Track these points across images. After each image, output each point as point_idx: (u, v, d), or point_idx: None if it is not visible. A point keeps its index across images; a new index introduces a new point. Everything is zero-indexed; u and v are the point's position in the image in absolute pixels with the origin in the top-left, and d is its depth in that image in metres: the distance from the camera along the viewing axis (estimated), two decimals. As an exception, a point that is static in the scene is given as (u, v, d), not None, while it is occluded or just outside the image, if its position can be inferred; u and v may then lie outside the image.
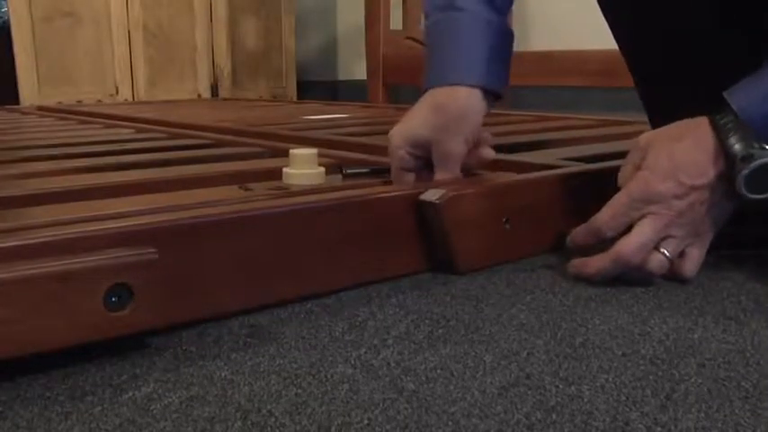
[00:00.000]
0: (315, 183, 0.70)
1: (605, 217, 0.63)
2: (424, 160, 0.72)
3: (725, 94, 0.59)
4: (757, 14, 0.65)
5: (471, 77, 0.69)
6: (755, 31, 0.65)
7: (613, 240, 0.62)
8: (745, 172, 0.57)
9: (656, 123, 0.74)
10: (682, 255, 0.63)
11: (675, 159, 0.60)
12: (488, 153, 0.74)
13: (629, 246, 0.61)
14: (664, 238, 0.61)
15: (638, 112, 1.07)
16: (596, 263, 0.63)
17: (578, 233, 0.66)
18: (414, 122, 0.71)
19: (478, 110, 0.70)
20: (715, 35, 0.70)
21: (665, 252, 0.61)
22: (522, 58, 2.54)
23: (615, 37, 0.80)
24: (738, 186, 0.58)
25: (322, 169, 0.72)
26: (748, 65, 0.60)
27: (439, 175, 0.71)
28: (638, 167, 0.62)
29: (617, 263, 0.61)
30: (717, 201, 0.60)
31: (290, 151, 0.72)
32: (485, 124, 0.71)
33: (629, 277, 0.63)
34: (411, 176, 0.73)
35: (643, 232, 0.61)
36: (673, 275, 0.63)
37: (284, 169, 0.71)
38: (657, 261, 0.61)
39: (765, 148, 0.57)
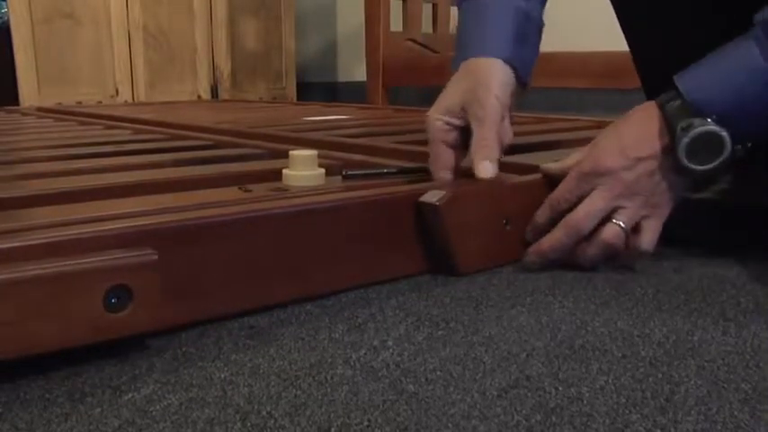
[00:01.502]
0: (314, 184, 0.70)
1: (558, 192, 0.66)
2: (462, 134, 0.71)
3: (674, 78, 0.62)
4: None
5: (495, 51, 0.71)
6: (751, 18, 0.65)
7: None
8: (685, 140, 0.59)
9: None
10: (638, 229, 0.64)
11: (622, 137, 0.64)
12: (509, 132, 0.74)
13: (578, 213, 0.64)
14: (615, 210, 0.63)
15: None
16: (549, 237, 0.66)
17: (537, 214, 0.68)
18: (445, 95, 0.72)
19: (505, 78, 0.70)
20: (709, 23, 0.70)
21: (620, 223, 0.63)
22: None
23: (623, 29, 0.81)
24: (681, 157, 0.60)
25: (322, 171, 0.72)
26: None
27: (476, 134, 0.69)
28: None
29: (568, 231, 0.64)
30: (666, 173, 0.62)
31: (290, 153, 0.72)
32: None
33: (608, 262, 0.66)
34: (450, 156, 0.72)
35: (592, 201, 0.64)
36: (632, 250, 0.65)
37: (284, 171, 0.71)
38: (611, 230, 0.63)
39: (706, 120, 0.59)
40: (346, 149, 0.99)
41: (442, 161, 0.71)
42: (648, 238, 0.64)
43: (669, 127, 0.61)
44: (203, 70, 2.84)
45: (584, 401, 0.42)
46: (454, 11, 2.74)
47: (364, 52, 2.61)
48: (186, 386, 0.45)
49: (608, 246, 0.64)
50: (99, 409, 0.42)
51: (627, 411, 0.41)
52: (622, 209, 0.63)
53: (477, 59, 0.71)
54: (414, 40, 2.62)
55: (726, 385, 0.44)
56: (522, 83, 0.73)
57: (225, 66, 2.89)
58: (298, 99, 3.11)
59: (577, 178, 0.65)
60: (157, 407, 0.42)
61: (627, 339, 0.51)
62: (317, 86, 3.36)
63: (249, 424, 0.40)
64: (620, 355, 0.49)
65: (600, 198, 0.63)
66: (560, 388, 0.44)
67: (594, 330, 0.53)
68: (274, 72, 3.07)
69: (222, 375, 0.46)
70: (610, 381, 0.45)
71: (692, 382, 0.44)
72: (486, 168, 0.68)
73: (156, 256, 0.48)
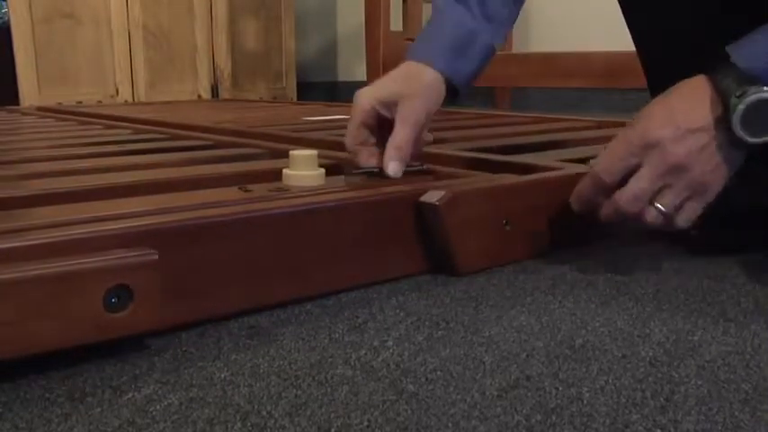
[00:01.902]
0: (315, 184, 0.70)
1: (603, 164, 0.63)
2: (380, 125, 0.74)
3: (727, 49, 0.59)
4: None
5: (439, 62, 0.74)
6: (759, 18, 0.65)
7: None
8: (741, 107, 0.56)
9: None
10: (680, 207, 0.62)
11: (672, 107, 0.60)
12: (428, 136, 0.78)
13: (625, 194, 0.61)
14: (661, 189, 0.61)
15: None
16: (603, 210, 0.64)
17: (581, 184, 0.66)
18: (381, 85, 0.75)
19: (434, 86, 0.74)
20: (718, 22, 0.70)
21: (660, 207, 0.61)
22: (525, 59, 2.55)
23: (629, 27, 0.81)
24: (735, 127, 0.57)
25: (322, 170, 0.72)
26: None
27: (397, 132, 0.71)
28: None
29: (615, 212, 0.63)
30: (718, 147, 0.59)
31: (290, 153, 0.72)
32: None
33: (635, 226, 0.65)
34: (368, 137, 0.75)
35: (639, 183, 0.61)
36: (666, 227, 0.63)
37: (284, 171, 0.71)
38: (652, 215, 0.62)
39: (762, 88, 0.56)
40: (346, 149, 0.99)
41: (362, 139, 0.74)
42: (684, 218, 0.62)
43: (722, 97, 0.58)
44: (203, 70, 2.84)
45: (585, 401, 0.42)
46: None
47: (364, 52, 2.61)
48: (186, 386, 0.45)
49: (646, 225, 0.63)
50: (99, 409, 0.42)
51: (627, 411, 0.41)
52: (668, 188, 0.60)
53: (415, 63, 0.75)
54: (413, 40, 2.62)
55: (726, 385, 0.44)
56: (453, 91, 0.76)
57: (225, 65, 2.89)
58: (298, 99, 3.11)
59: (624, 150, 0.61)
60: (158, 407, 0.42)
61: (627, 339, 0.51)
62: (318, 86, 3.37)
63: (249, 424, 0.40)
64: (620, 354, 0.49)
65: (647, 179, 0.60)
66: (560, 388, 0.44)
67: (595, 330, 0.53)
68: (274, 72, 3.07)
69: (222, 375, 0.46)
70: (610, 381, 0.45)
71: (693, 383, 0.44)
72: (394, 168, 0.71)
73: (156, 256, 0.48)
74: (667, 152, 0.59)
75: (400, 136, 0.71)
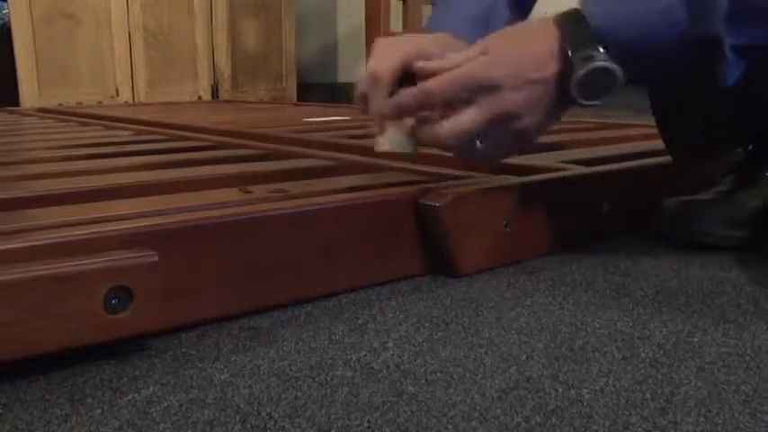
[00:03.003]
0: (406, 150, 0.66)
1: (440, 84, 0.60)
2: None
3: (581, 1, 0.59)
4: None
5: (464, 32, 0.70)
6: None
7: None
8: (581, 72, 0.57)
9: (656, 108, 0.74)
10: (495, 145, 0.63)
11: (517, 47, 0.60)
12: None
13: (448, 131, 0.61)
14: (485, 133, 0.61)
15: (639, 115, 1.08)
16: (420, 134, 0.63)
17: (407, 91, 0.63)
18: (419, 38, 0.69)
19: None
20: None
21: (478, 145, 0.61)
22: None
23: None
24: (572, 89, 0.58)
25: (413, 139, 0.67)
26: None
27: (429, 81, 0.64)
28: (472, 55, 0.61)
29: (428, 140, 0.63)
30: (549, 101, 0.60)
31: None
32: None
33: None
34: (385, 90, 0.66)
35: (466, 122, 0.60)
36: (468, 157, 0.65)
37: (377, 138, 0.67)
38: (466, 151, 0.63)
39: (603, 53, 0.57)
40: (347, 150, 0.99)
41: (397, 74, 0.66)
42: (495, 153, 0.65)
43: (564, 52, 0.58)
44: (204, 71, 2.84)
45: (585, 403, 0.42)
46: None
47: (364, 53, 2.60)
48: (186, 387, 0.45)
49: (451, 151, 0.64)
50: (99, 410, 0.42)
51: (627, 413, 0.41)
52: (491, 131, 0.60)
53: (444, 33, 0.70)
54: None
55: (726, 387, 0.44)
56: None
57: (225, 66, 2.89)
58: (298, 100, 3.11)
59: (462, 82, 0.59)
60: (157, 408, 0.42)
61: (627, 341, 0.51)
62: (318, 87, 3.36)
63: (249, 425, 0.40)
64: (620, 356, 0.49)
65: (476, 121, 0.59)
66: (560, 389, 0.44)
67: (594, 332, 0.53)
68: (275, 73, 3.07)
69: (222, 376, 0.46)
70: (610, 382, 0.45)
71: (693, 384, 0.44)
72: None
73: (156, 258, 0.48)
74: (503, 98, 0.59)
75: (442, 78, 0.64)
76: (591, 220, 0.78)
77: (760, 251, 0.73)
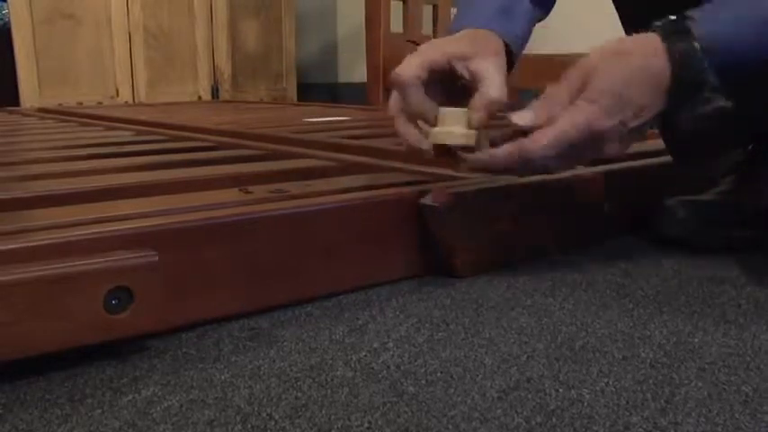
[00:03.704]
0: (465, 143, 0.62)
1: (544, 147, 0.58)
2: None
3: (692, 15, 0.56)
4: None
5: (492, 24, 0.68)
6: None
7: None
8: (693, 113, 0.56)
9: None
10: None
11: (623, 89, 0.56)
12: None
13: (529, 165, 0.59)
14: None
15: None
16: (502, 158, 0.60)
17: (506, 150, 0.60)
18: (449, 42, 0.66)
19: (504, 56, 0.67)
20: None
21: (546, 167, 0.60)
22: (524, 61, 2.55)
23: (624, 27, 0.80)
24: (682, 119, 0.56)
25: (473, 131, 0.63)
26: None
27: (492, 81, 0.62)
28: (573, 95, 0.58)
29: (519, 165, 0.60)
30: (645, 127, 0.59)
31: (440, 109, 0.64)
32: (485, 127, 0.70)
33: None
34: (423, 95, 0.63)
35: (552, 159, 0.59)
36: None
37: (434, 129, 0.63)
38: (529, 170, 0.61)
39: (715, 89, 0.55)
40: (347, 151, 0.99)
41: (423, 79, 0.63)
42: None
43: (673, 93, 0.56)
44: (204, 71, 2.84)
45: (585, 403, 0.42)
46: (454, 12, 2.74)
47: (364, 53, 2.61)
48: (187, 388, 0.45)
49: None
50: (99, 411, 0.42)
51: (627, 413, 0.41)
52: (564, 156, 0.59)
53: (473, 28, 0.68)
54: (414, 42, 2.62)
55: (726, 387, 0.44)
56: (509, 62, 0.69)
57: (225, 66, 2.89)
58: (298, 100, 3.11)
59: (561, 143, 0.57)
60: (158, 408, 0.42)
61: (627, 341, 0.51)
62: (318, 87, 3.36)
63: (249, 425, 0.40)
64: (620, 356, 0.49)
65: (564, 160, 0.59)
66: (561, 390, 0.44)
67: (595, 332, 0.53)
68: (275, 73, 3.07)
69: (223, 377, 0.46)
70: (610, 383, 0.45)
71: (693, 384, 0.44)
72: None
73: (156, 258, 0.48)
74: (601, 147, 0.58)
75: (497, 83, 0.62)
76: (591, 220, 0.78)
77: (760, 251, 0.73)
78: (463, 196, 0.66)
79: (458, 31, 0.68)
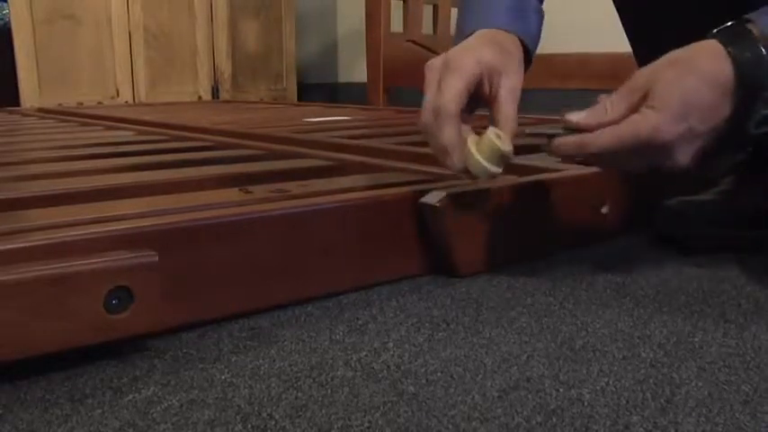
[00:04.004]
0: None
1: (603, 143, 0.57)
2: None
3: (750, 18, 0.55)
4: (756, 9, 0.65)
5: (506, 23, 0.67)
6: None
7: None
8: (762, 113, 0.55)
9: None
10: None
11: (688, 96, 0.55)
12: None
13: (600, 160, 0.59)
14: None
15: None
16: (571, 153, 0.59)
17: (568, 144, 0.59)
18: (482, 50, 0.63)
19: (522, 59, 0.67)
20: (718, 23, 0.70)
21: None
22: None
23: (625, 28, 0.80)
24: (750, 124, 0.55)
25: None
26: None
27: (508, 113, 0.62)
28: (634, 106, 0.57)
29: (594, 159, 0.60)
30: (716, 139, 0.57)
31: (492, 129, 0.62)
32: (486, 127, 0.70)
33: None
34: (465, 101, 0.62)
35: (622, 160, 0.58)
36: None
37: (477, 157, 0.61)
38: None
39: None
40: (347, 151, 0.99)
41: (464, 103, 0.61)
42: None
43: (740, 97, 0.54)
44: (204, 71, 2.84)
45: (585, 403, 0.42)
46: (455, 12, 2.74)
47: (365, 53, 2.61)
48: (187, 387, 0.45)
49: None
50: (99, 411, 0.42)
51: (627, 413, 0.41)
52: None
53: (492, 30, 0.66)
54: (414, 41, 2.62)
55: (726, 387, 0.44)
56: (527, 55, 0.69)
57: (225, 66, 2.89)
58: (298, 100, 3.11)
59: (623, 144, 0.56)
60: (158, 408, 0.42)
61: (627, 341, 0.51)
62: (318, 87, 3.36)
63: (250, 425, 0.40)
64: (620, 356, 0.49)
65: (634, 163, 0.58)
66: (561, 389, 0.44)
67: (595, 332, 0.53)
68: (275, 73, 3.07)
69: (223, 377, 0.46)
70: (610, 382, 0.45)
71: (693, 384, 0.44)
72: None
73: (156, 258, 0.48)
74: (670, 154, 0.56)
75: (511, 112, 0.63)
76: (591, 220, 0.78)
77: (760, 251, 0.73)
78: (463, 196, 0.66)
79: (470, 33, 0.67)
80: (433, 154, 0.63)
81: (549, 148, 0.60)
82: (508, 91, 0.63)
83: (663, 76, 0.56)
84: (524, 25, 0.69)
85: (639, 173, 0.61)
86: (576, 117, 0.59)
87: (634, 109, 0.56)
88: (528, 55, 0.68)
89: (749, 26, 0.56)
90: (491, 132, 0.61)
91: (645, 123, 0.55)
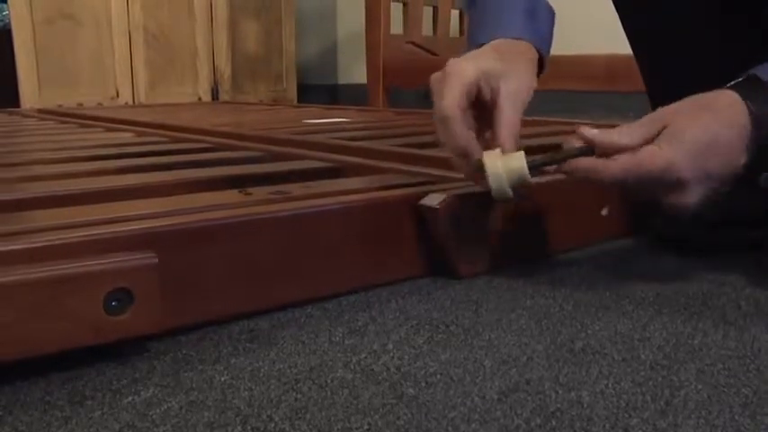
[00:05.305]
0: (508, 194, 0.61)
1: (616, 173, 0.56)
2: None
3: (758, 71, 0.56)
4: (757, 9, 0.65)
5: (519, 30, 0.67)
6: (758, 18, 0.65)
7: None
8: None
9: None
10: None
11: (707, 148, 0.55)
12: None
13: (617, 186, 0.58)
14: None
15: (638, 118, 1.07)
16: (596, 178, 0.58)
17: (579, 169, 0.59)
18: (483, 56, 0.64)
19: (536, 65, 0.67)
20: (716, 32, 0.70)
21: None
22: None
23: (625, 30, 0.80)
24: (763, 179, 0.56)
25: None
26: (753, 53, 0.58)
27: (507, 115, 0.62)
28: (651, 137, 0.56)
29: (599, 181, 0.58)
30: (727, 186, 0.57)
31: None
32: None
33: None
34: (467, 124, 0.62)
35: (636, 192, 0.58)
36: None
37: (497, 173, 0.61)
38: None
39: None
40: (347, 152, 0.99)
41: (464, 107, 0.61)
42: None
43: (757, 145, 0.55)
44: (204, 72, 2.84)
45: (585, 405, 0.42)
46: (455, 13, 2.74)
47: (364, 54, 2.61)
48: (186, 389, 0.45)
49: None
50: (99, 412, 0.42)
51: (627, 415, 0.41)
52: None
53: (503, 40, 0.67)
54: (414, 43, 2.62)
55: (726, 389, 0.44)
56: (541, 63, 0.69)
57: (225, 67, 2.89)
58: (298, 101, 3.11)
59: (636, 175, 0.55)
60: (157, 410, 0.42)
61: (627, 343, 0.51)
62: (318, 88, 3.36)
63: (249, 427, 0.40)
64: (620, 358, 0.49)
65: (646, 196, 0.58)
66: (560, 391, 0.44)
67: (595, 334, 0.53)
68: (275, 74, 3.07)
69: (222, 379, 0.46)
70: (610, 384, 0.45)
71: (693, 386, 0.44)
72: (513, 147, 0.62)
73: (156, 259, 0.48)
74: (685, 194, 0.56)
75: (510, 115, 0.62)
76: (591, 221, 0.78)
77: (760, 252, 0.73)
78: (463, 198, 0.66)
79: (480, 45, 0.67)
80: (452, 164, 0.64)
81: (561, 167, 0.60)
82: (508, 95, 0.62)
83: (682, 112, 0.56)
84: (537, 29, 0.69)
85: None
86: (589, 133, 0.59)
87: (650, 140, 0.56)
88: (542, 59, 0.69)
89: (762, 82, 0.56)
90: (521, 154, 0.60)
91: (660, 157, 0.55)
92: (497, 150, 0.61)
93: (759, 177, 0.56)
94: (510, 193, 0.60)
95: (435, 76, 0.63)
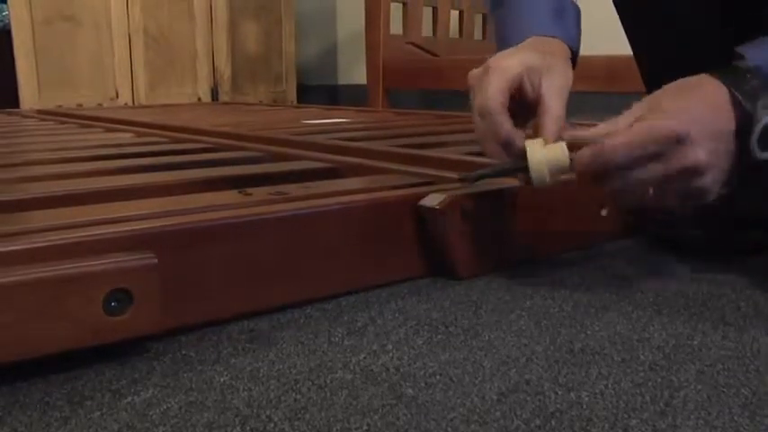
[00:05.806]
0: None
1: (621, 146, 0.56)
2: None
3: (740, 50, 0.57)
4: (757, 10, 0.65)
5: (550, 29, 0.68)
6: (758, 19, 0.65)
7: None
8: (763, 122, 0.55)
9: None
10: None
11: (693, 100, 0.56)
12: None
13: (632, 183, 0.57)
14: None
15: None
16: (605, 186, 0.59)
17: (584, 155, 0.58)
18: (524, 53, 0.64)
19: (569, 62, 0.67)
20: (716, 32, 0.70)
21: (656, 198, 0.58)
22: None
23: (626, 30, 0.80)
24: (753, 140, 0.55)
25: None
26: None
27: (552, 107, 0.62)
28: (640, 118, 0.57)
29: (612, 190, 0.59)
30: (731, 155, 0.57)
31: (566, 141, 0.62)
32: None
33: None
34: (507, 100, 0.62)
35: (650, 174, 0.56)
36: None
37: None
38: (637, 200, 0.59)
39: None
40: (347, 153, 0.99)
41: (505, 102, 0.62)
42: (670, 206, 0.60)
43: (740, 105, 0.55)
44: (203, 73, 2.84)
45: (584, 406, 0.42)
46: (454, 14, 2.74)
47: (364, 55, 2.61)
48: (186, 390, 0.45)
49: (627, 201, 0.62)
50: (98, 413, 0.42)
51: (626, 416, 0.41)
52: (672, 187, 0.57)
53: (537, 37, 0.67)
54: (414, 44, 2.62)
55: (725, 390, 0.44)
56: (573, 56, 0.69)
57: (225, 68, 2.89)
58: (298, 102, 3.11)
59: (646, 137, 0.55)
60: (157, 410, 0.42)
61: (626, 344, 0.51)
62: (318, 89, 3.36)
63: (249, 428, 0.40)
64: (619, 359, 0.49)
65: (661, 175, 0.56)
66: (560, 392, 0.44)
67: (594, 334, 0.53)
68: (274, 75, 3.07)
69: (222, 379, 0.46)
70: (609, 385, 0.45)
71: (692, 387, 0.44)
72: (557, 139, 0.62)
73: (156, 260, 0.48)
74: (692, 149, 0.55)
75: (556, 107, 0.62)
76: (591, 222, 0.78)
77: (760, 253, 0.73)
78: (462, 198, 0.66)
79: (514, 44, 0.67)
80: (489, 157, 0.64)
81: (572, 165, 0.60)
82: (552, 89, 0.63)
83: (661, 93, 0.58)
84: (566, 28, 0.70)
85: (674, 209, 0.60)
86: (578, 133, 0.59)
87: (640, 119, 0.57)
88: (574, 56, 0.69)
89: (743, 52, 0.57)
90: (563, 145, 0.60)
91: (658, 121, 0.55)
92: (539, 140, 0.61)
93: (750, 143, 0.56)
94: (548, 180, 0.60)
95: (474, 73, 0.64)
